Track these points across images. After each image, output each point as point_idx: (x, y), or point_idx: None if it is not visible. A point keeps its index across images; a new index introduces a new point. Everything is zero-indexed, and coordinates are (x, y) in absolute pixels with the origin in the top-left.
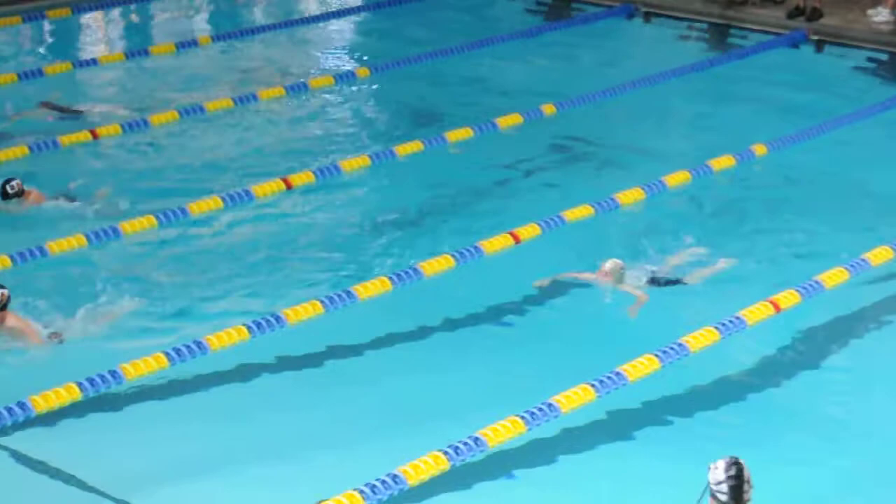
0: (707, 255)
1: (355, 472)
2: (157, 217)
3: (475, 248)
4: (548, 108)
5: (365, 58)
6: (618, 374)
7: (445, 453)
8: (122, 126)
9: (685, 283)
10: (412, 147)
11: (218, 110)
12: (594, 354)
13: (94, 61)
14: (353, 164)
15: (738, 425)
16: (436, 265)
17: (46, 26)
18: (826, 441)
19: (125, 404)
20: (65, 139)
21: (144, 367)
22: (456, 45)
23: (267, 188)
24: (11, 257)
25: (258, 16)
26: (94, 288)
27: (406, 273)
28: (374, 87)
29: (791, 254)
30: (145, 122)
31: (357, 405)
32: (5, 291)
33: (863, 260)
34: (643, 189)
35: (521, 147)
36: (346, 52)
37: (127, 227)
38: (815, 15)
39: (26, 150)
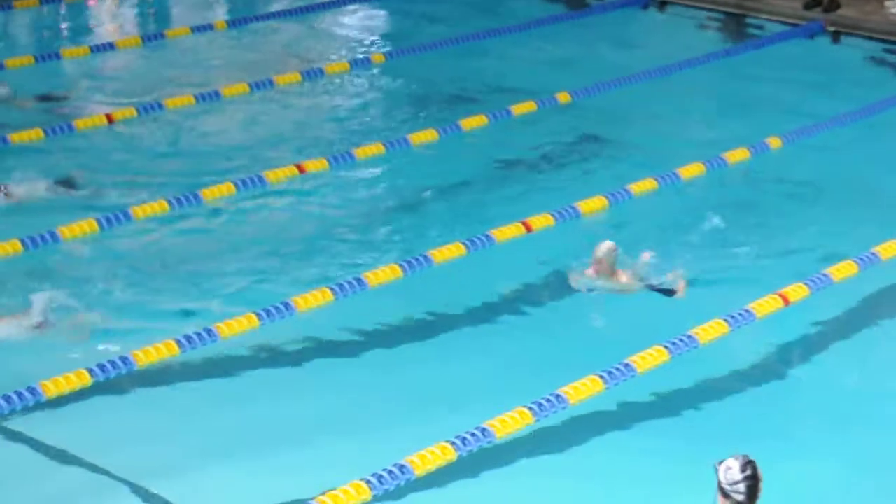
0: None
1: (362, 462)
2: (170, 202)
3: (486, 236)
4: (563, 97)
5: (381, 44)
6: (627, 365)
7: (453, 444)
8: (138, 109)
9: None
10: (426, 135)
11: (233, 95)
12: (603, 345)
13: (110, 45)
14: (367, 150)
15: (746, 418)
16: (446, 253)
17: (63, 10)
18: (835, 434)
19: (135, 391)
20: (80, 122)
21: (155, 353)
22: (472, 33)
23: (280, 174)
24: (23, 241)
25: (273, 0)
26: (105, 273)
27: (416, 260)
28: (390, 73)
29: (801, 247)
30: (160, 106)
31: (365, 394)
32: None
33: (872, 254)
34: (657, 180)
35: (536, 135)
36: (362, 37)
37: (139, 211)
38: (832, 6)
39: (41, 133)
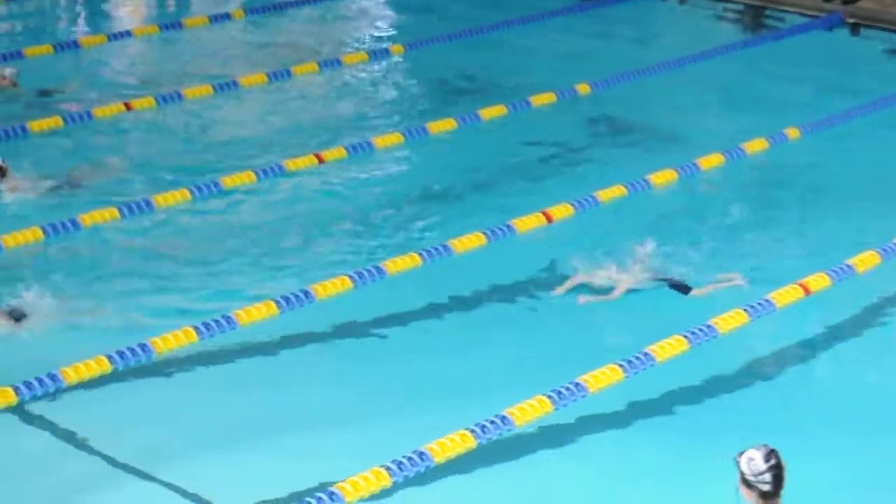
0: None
1: (382, 449)
2: (191, 190)
3: (507, 226)
4: (582, 88)
5: (399, 34)
6: (646, 354)
7: (472, 431)
8: (156, 99)
9: (691, 293)
10: (445, 124)
11: (251, 85)
12: (623, 335)
13: (127, 33)
14: (386, 140)
15: (765, 410)
16: (466, 242)
17: None
18: (854, 428)
19: (154, 378)
20: (98, 111)
21: (174, 340)
22: (492, 23)
23: (299, 163)
24: (44, 229)
25: None
26: (127, 260)
27: (436, 249)
28: (409, 63)
29: (821, 237)
30: (179, 96)
31: (385, 382)
32: None
33: (894, 244)
34: (676, 170)
35: (555, 126)
36: (381, 27)
37: (160, 200)
38: None
39: (60, 121)
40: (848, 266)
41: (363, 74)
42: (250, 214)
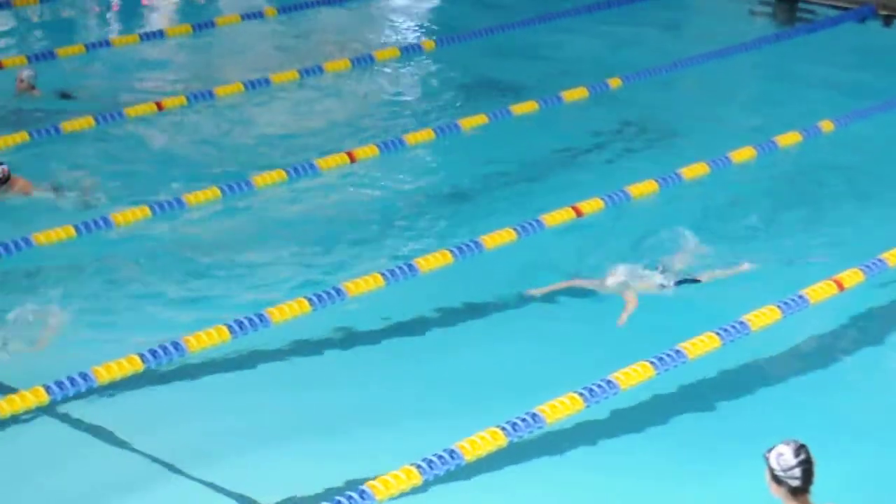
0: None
1: (413, 447)
2: (222, 189)
3: (537, 221)
4: (614, 82)
5: (431, 30)
6: (677, 351)
7: (503, 429)
8: (188, 97)
9: (699, 281)
10: (477, 120)
11: (283, 82)
12: (654, 331)
13: (160, 33)
14: (418, 136)
15: (798, 406)
16: (497, 238)
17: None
18: (890, 424)
19: (187, 376)
20: (130, 111)
21: (207, 339)
22: (522, 18)
23: (331, 161)
24: (76, 227)
25: None
26: (158, 259)
27: (467, 246)
28: (440, 59)
29: (855, 232)
30: (210, 94)
31: (416, 379)
32: None
33: None
34: (708, 164)
35: (587, 121)
36: (412, 24)
37: (191, 198)
38: None
39: (92, 121)
40: (881, 261)
41: (395, 71)
42: (282, 213)
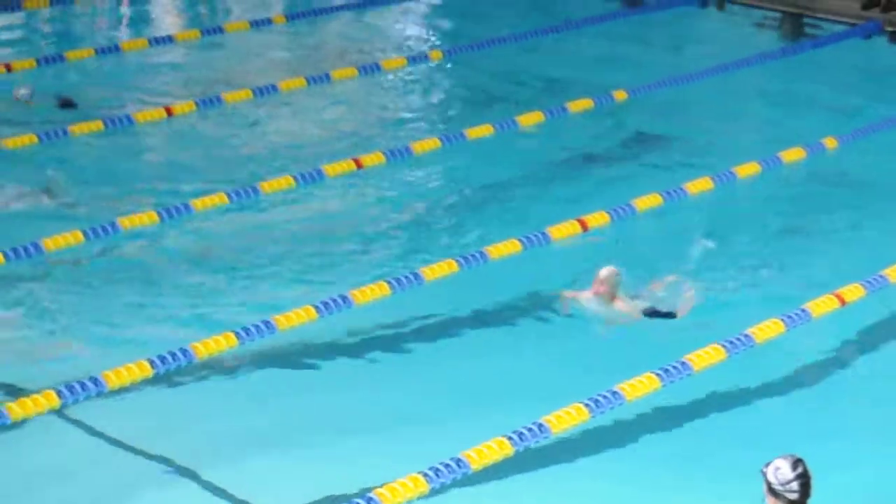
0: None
1: (419, 455)
2: (229, 195)
3: (542, 233)
4: (619, 95)
5: (438, 40)
6: (683, 363)
7: (510, 439)
8: (197, 103)
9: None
10: (483, 130)
11: (291, 90)
12: (660, 343)
13: (169, 38)
14: (424, 145)
15: (801, 417)
16: (502, 249)
17: (124, 4)
18: (889, 437)
19: (195, 382)
20: (139, 115)
21: (214, 345)
22: (529, 30)
23: (338, 168)
24: (85, 233)
25: None
26: (164, 266)
27: (473, 256)
28: (447, 69)
29: (858, 247)
30: (219, 100)
31: (422, 388)
32: None
33: None
34: (712, 179)
35: (592, 132)
36: (420, 33)
37: (199, 204)
38: (891, 5)
39: (101, 125)
40: (882, 277)
41: (402, 80)
42: (289, 220)
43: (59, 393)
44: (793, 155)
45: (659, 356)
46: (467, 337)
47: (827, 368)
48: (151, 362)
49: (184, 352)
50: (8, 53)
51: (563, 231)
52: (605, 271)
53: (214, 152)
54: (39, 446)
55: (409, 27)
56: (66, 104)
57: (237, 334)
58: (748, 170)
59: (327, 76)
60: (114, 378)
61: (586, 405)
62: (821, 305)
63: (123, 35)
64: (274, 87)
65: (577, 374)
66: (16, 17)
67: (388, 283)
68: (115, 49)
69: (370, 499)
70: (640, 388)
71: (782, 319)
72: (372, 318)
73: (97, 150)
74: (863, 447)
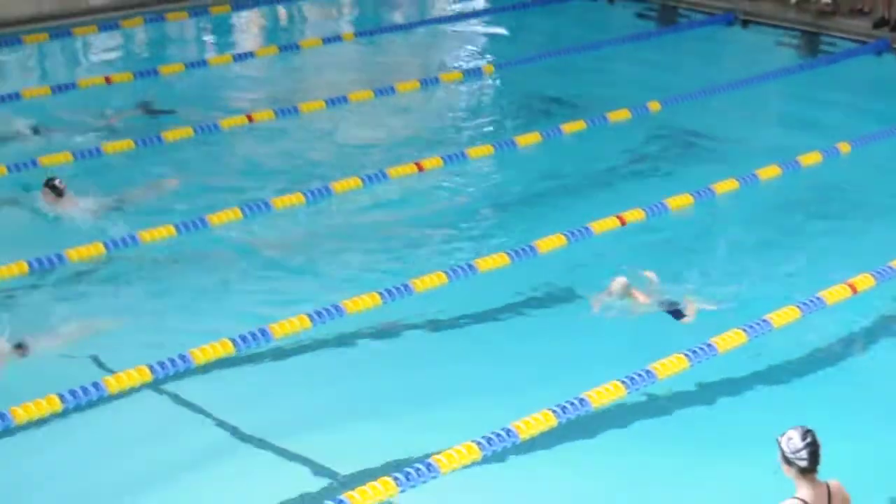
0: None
1: (473, 426)
2: (305, 194)
3: (585, 228)
4: (654, 105)
5: (490, 56)
6: (709, 345)
7: (553, 411)
8: (275, 112)
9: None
10: (531, 137)
11: (359, 100)
12: (687, 328)
13: (251, 54)
14: (478, 151)
15: (815, 393)
16: (549, 243)
17: (209, 22)
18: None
19: (272, 360)
20: (224, 123)
21: (290, 326)
22: (573, 46)
23: (401, 171)
24: (176, 227)
25: (396, 16)
26: (249, 257)
27: (523, 250)
28: (499, 82)
29: (868, 241)
30: (295, 109)
31: (476, 366)
32: None
33: None
34: (738, 180)
35: (629, 139)
36: (474, 50)
37: (278, 202)
38: None
39: (191, 131)
40: (891, 268)
41: (458, 91)
42: (357, 216)
43: (150, 368)
44: (810, 158)
45: (687, 339)
46: (516, 321)
47: (838, 351)
48: (233, 341)
49: (263, 332)
50: (108, 68)
51: (603, 226)
52: (616, 285)
53: (291, 156)
54: (133, 415)
55: (465, 44)
56: (149, 111)
57: (310, 317)
58: (770, 172)
59: (392, 88)
60: (200, 355)
61: (623, 382)
62: (835, 294)
63: (210, 51)
64: (344, 98)
65: (616, 353)
66: (115, 36)
67: (446, 272)
68: (202, 64)
69: (429, 464)
70: (670, 367)
71: (799, 306)
72: (430, 304)
73: (188, 154)
74: (867, 422)
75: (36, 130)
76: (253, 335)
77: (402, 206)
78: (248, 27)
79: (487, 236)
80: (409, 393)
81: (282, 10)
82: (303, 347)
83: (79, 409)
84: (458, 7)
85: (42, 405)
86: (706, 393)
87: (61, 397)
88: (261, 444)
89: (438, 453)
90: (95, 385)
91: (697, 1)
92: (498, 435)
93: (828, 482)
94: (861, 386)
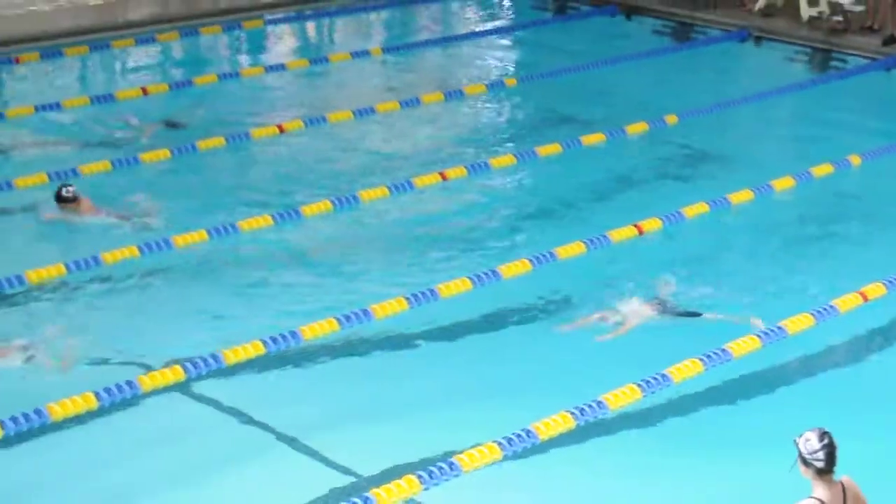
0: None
1: (494, 427)
2: (333, 202)
3: (603, 236)
4: (670, 118)
5: (513, 69)
6: (724, 350)
7: (572, 413)
8: (305, 122)
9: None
10: (552, 148)
11: (386, 111)
12: (704, 331)
13: (282, 66)
14: (500, 161)
15: (830, 397)
16: (569, 250)
17: (242, 36)
18: None
19: (302, 361)
20: (255, 133)
21: (319, 329)
22: (592, 61)
23: (426, 179)
24: (209, 232)
25: (422, 31)
26: (280, 262)
27: (543, 256)
28: (521, 95)
29: (880, 252)
30: (324, 120)
31: (497, 368)
32: None
33: None
34: (752, 190)
35: (647, 151)
36: (497, 64)
37: (307, 210)
38: None
39: (223, 140)
40: None
41: (482, 104)
42: (384, 224)
43: (184, 367)
44: (822, 170)
45: (702, 344)
46: (537, 326)
47: (851, 357)
48: (264, 342)
49: (293, 334)
50: (144, 79)
51: (621, 234)
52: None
53: (320, 165)
54: (166, 413)
55: (488, 58)
56: (172, 125)
57: (339, 320)
58: (783, 183)
59: (417, 100)
60: (231, 356)
61: (639, 385)
62: (847, 302)
63: (242, 63)
64: (371, 109)
65: (632, 357)
66: (151, 48)
67: (470, 278)
68: (235, 76)
69: (452, 463)
70: (685, 371)
71: (812, 314)
72: (455, 308)
73: (220, 162)
74: (881, 425)
75: (76, 139)
76: (283, 337)
77: (427, 213)
78: (280, 41)
79: (509, 243)
80: (432, 394)
81: (312, 26)
82: (331, 349)
83: (113, 406)
84: (481, 23)
85: (78, 402)
86: (721, 396)
87: (97, 395)
88: (290, 442)
89: (460, 453)
90: (129, 383)
91: (712, 18)
92: (518, 435)
93: (841, 479)
94: (872, 390)
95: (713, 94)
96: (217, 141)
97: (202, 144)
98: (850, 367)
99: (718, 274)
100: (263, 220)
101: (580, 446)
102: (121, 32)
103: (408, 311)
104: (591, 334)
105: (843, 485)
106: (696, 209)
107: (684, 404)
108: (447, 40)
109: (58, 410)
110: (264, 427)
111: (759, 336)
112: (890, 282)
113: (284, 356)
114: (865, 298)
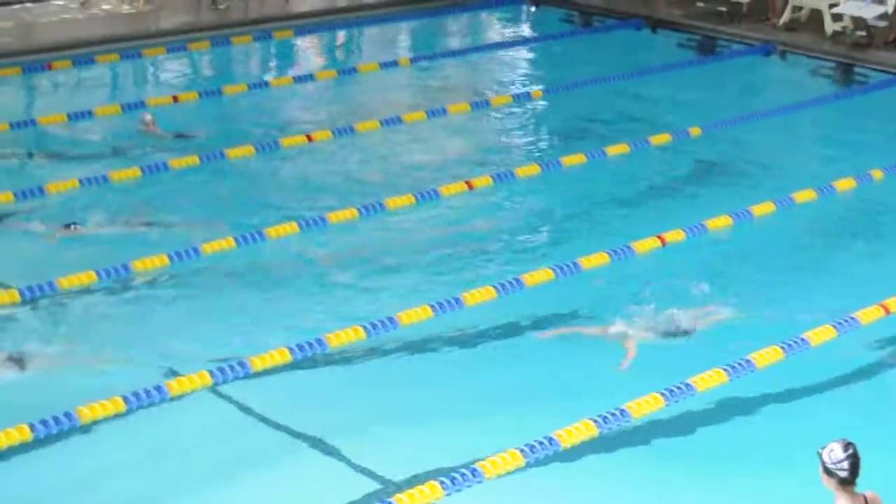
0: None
1: (517, 434)
2: (359, 210)
3: (627, 247)
4: (694, 131)
5: (538, 81)
6: (748, 361)
7: (595, 421)
8: (333, 132)
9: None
10: (577, 159)
11: (413, 121)
12: (727, 342)
13: (310, 76)
14: (526, 171)
15: (850, 409)
16: (592, 260)
17: (272, 46)
18: None
19: (328, 368)
20: (284, 141)
21: (345, 336)
22: (618, 73)
23: (452, 189)
24: (236, 239)
25: (449, 42)
26: (306, 269)
27: (567, 266)
28: (546, 106)
29: None
30: (352, 129)
31: (521, 375)
32: None
33: None
34: (775, 203)
35: (670, 163)
36: (523, 75)
37: (333, 217)
38: None
39: (252, 149)
40: None
41: (508, 114)
42: (409, 232)
43: (212, 374)
44: (845, 184)
45: (725, 355)
46: (559, 335)
47: (874, 368)
48: (290, 349)
49: (319, 341)
50: (175, 88)
51: (644, 246)
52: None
53: (347, 173)
54: (193, 418)
55: (514, 70)
56: (182, 136)
57: (365, 328)
58: (806, 196)
59: (444, 110)
60: (258, 362)
61: (662, 394)
62: (868, 314)
63: (272, 73)
64: (398, 119)
65: (656, 368)
66: (182, 57)
67: (494, 287)
68: (264, 85)
69: (474, 470)
70: (709, 381)
71: (834, 325)
72: (479, 317)
73: (249, 170)
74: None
75: (106, 147)
76: (309, 344)
77: (452, 222)
78: (309, 51)
79: (534, 252)
80: (455, 401)
81: (341, 36)
82: (356, 357)
83: (141, 410)
84: (508, 35)
85: (107, 406)
86: (744, 407)
87: (125, 399)
88: (314, 447)
89: (483, 459)
90: (158, 388)
91: (736, 32)
92: (541, 443)
93: (864, 494)
94: (894, 402)
95: (737, 108)
96: (246, 150)
97: (230, 153)
98: (872, 380)
99: (741, 285)
100: (290, 228)
101: (602, 455)
102: (152, 41)
103: (432, 318)
104: (613, 344)
105: (865, 498)
106: (719, 221)
107: (707, 414)
108: (475, 51)
109: (86, 413)
110: (289, 432)
111: (782, 347)
112: None
113: (310, 362)
114: (887, 311)
